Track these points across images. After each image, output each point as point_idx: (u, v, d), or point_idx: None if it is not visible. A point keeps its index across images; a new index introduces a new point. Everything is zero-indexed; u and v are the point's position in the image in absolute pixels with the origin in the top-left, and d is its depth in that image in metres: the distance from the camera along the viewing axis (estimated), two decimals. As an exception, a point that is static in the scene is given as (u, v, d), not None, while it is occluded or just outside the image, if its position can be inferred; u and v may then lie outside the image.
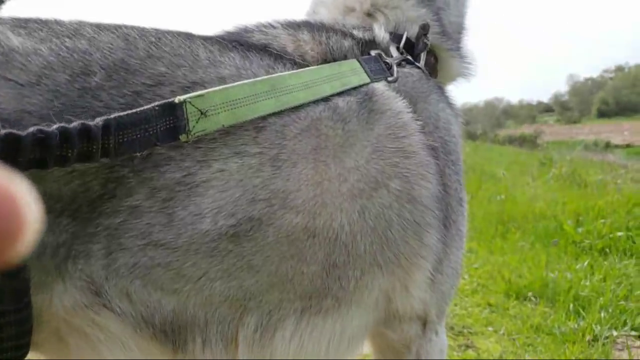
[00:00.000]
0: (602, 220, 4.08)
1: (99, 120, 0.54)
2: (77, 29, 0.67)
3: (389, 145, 0.78)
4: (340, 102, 0.77)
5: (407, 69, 0.94)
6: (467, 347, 2.33)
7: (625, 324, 2.52)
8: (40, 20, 0.68)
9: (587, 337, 2.32)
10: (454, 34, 1.13)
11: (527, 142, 23.56)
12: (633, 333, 2.46)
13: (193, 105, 0.61)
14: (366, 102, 0.79)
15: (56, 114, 0.57)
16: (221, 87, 0.65)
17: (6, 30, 0.62)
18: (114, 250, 0.62)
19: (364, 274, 0.77)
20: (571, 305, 2.66)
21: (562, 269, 3.15)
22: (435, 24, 1.04)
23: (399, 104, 0.83)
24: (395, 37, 1.00)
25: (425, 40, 1.00)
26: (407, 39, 0.99)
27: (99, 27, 0.69)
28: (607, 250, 3.66)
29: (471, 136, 26.62)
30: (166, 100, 0.60)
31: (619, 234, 3.85)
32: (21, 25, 0.65)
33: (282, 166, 0.69)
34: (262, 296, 0.70)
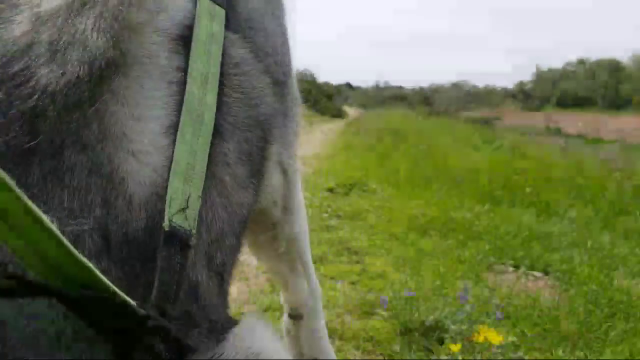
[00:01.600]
0: (516, 177, 4.38)
1: None
2: None
3: None
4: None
5: None
6: (357, 262, 2.52)
7: (506, 255, 2.77)
8: None
9: (462, 259, 2.55)
10: None
11: (487, 124, 24.22)
12: (511, 262, 2.72)
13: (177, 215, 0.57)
14: None
15: None
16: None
17: None
18: None
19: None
20: (462, 237, 2.89)
21: (465, 210, 3.38)
22: None
23: None
24: None
25: None
26: None
27: None
28: (514, 202, 3.94)
29: (435, 114, 27.12)
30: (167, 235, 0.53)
31: (528, 189, 4.16)
32: None
33: None
34: None
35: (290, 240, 1.01)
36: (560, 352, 1.78)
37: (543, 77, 59.16)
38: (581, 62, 59.81)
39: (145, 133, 0.56)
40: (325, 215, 3.46)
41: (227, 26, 0.68)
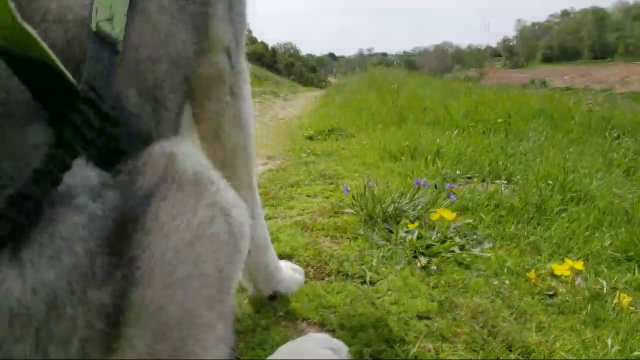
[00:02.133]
0: (487, 109, 4.52)
1: None
2: None
3: None
4: None
5: None
6: (332, 183, 2.68)
7: (472, 170, 2.94)
8: None
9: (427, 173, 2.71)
10: None
11: (470, 81, 24.26)
12: (477, 175, 2.89)
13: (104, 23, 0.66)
14: None
15: None
16: None
17: None
18: None
19: None
20: (430, 157, 3.05)
21: (435, 137, 3.54)
22: None
23: None
24: None
25: None
26: None
27: None
28: (486, 131, 4.10)
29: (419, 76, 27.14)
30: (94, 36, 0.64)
31: (499, 120, 4.31)
32: None
33: None
34: None
35: (235, 124, 1.03)
36: (512, 228, 1.95)
37: (526, 32, 59.06)
38: (565, 13, 59.62)
39: None
40: (304, 154, 3.61)
41: None
